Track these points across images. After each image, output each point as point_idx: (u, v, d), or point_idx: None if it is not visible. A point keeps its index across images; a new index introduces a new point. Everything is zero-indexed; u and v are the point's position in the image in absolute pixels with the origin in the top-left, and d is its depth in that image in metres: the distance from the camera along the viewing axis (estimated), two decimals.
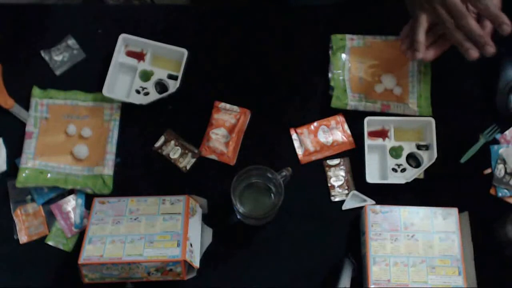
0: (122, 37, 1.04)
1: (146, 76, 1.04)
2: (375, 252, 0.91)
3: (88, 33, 1.08)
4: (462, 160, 1.00)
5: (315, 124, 1.03)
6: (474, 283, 0.92)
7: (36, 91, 1.04)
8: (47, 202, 0.99)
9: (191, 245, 0.90)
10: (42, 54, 1.07)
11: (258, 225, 0.98)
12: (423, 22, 0.88)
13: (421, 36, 0.88)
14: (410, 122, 1.00)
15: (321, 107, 1.03)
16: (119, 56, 1.04)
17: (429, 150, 0.98)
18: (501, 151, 0.99)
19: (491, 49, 0.83)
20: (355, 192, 0.99)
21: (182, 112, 1.04)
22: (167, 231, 0.90)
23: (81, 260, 0.87)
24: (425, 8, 0.87)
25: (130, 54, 1.05)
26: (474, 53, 0.84)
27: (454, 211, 0.93)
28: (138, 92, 1.04)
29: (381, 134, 1.00)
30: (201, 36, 1.09)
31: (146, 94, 1.04)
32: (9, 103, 1.03)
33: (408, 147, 0.99)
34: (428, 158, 0.98)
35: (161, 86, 1.05)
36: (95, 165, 1.00)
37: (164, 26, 1.09)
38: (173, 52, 1.04)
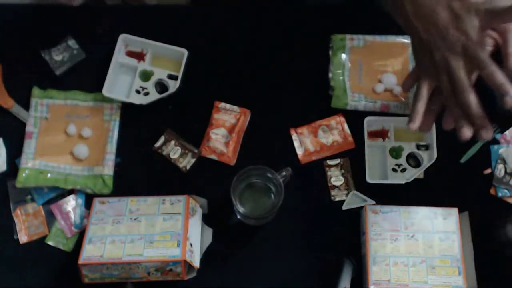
0: (122, 37, 1.04)
1: (146, 76, 1.04)
2: (375, 252, 0.91)
3: (88, 33, 1.08)
4: (462, 160, 1.00)
5: (315, 124, 1.03)
6: (474, 283, 0.92)
7: (36, 91, 1.04)
8: (47, 202, 0.99)
9: (191, 245, 0.90)
10: (42, 54, 1.06)
11: (258, 225, 0.98)
12: (425, 92, 0.82)
13: (421, 108, 0.82)
14: None
15: (321, 107, 1.03)
16: (119, 56, 1.04)
17: (429, 150, 0.98)
18: (501, 151, 0.99)
19: (485, 134, 0.75)
20: (355, 192, 0.98)
21: (182, 112, 1.04)
22: (167, 231, 0.90)
23: (81, 260, 0.87)
24: (431, 75, 0.80)
25: (130, 54, 1.05)
26: (467, 133, 0.76)
27: (454, 211, 0.93)
28: (138, 92, 1.04)
29: (381, 134, 1.00)
30: (201, 36, 1.09)
31: (146, 94, 1.04)
32: (9, 103, 1.03)
33: (408, 147, 0.99)
34: (428, 158, 0.98)
35: (161, 86, 1.05)
36: (95, 165, 1.00)
37: (164, 26, 1.09)
38: (173, 52, 1.04)
